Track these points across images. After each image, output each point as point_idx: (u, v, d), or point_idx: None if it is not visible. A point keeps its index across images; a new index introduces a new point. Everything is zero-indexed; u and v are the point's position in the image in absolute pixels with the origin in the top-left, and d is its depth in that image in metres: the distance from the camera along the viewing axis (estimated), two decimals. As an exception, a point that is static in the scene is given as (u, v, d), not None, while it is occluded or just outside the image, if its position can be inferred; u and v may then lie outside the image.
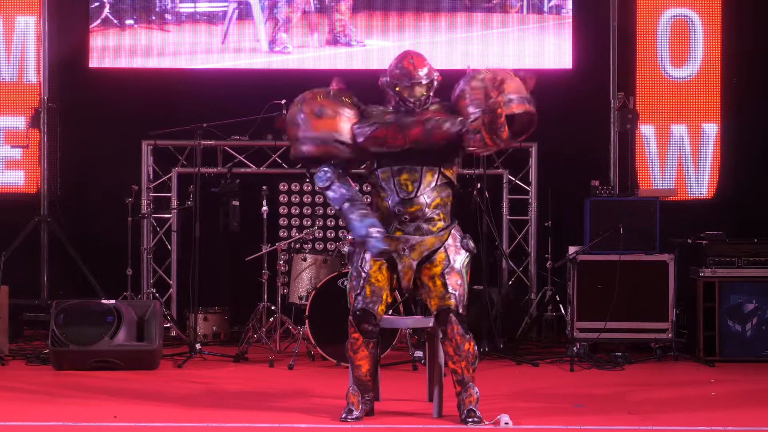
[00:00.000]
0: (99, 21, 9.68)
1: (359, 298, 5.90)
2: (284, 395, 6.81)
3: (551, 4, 9.65)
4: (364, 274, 5.90)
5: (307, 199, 9.62)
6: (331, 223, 9.56)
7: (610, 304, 8.15)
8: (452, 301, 5.81)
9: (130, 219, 8.98)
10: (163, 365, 7.91)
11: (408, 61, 5.91)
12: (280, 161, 9.50)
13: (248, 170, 9.48)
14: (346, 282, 7.82)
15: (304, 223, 9.56)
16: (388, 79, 5.93)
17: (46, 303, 8.95)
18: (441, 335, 5.88)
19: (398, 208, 5.85)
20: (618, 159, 9.31)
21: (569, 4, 9.61)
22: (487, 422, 5.80)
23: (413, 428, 5.87)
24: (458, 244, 5.91)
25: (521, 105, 5.80)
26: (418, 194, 5.84)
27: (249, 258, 8.67)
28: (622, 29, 9.42)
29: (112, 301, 7.96)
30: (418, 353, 7.69)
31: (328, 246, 9.45)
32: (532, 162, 9.46)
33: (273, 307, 8.50)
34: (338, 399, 6.34)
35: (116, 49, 9.68)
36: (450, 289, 5.82)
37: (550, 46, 9.61)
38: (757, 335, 8.20)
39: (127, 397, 6.67)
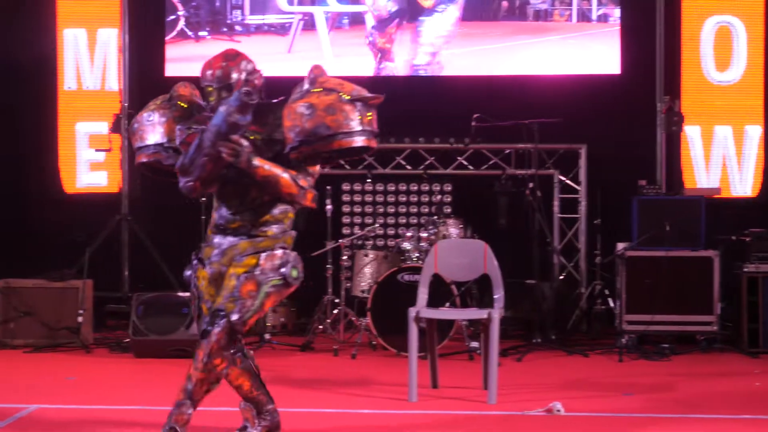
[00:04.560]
0: (175, 33, 9.78)
1: (199, 321, 4.91)
2: (348, 383, 6.83)
3: (600, 12, 9.57)
4: (197, 294, 4.95)
5: (368, 198, 9.65)
6: (391, 221, 9.58)
7: (657, 298, 8.07)
8: (232, 305, 4.72)
9: (203, 217, 9.05)
10: (235, 354, 7.95)
11: (208, 61, 4.90)
12: (342, 163, 9.48)
13: (313, 171, 9.50)
14: (406, 276, 7.88)
15: (366, 221, 9.59)
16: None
17: (127, 295, 9.06)
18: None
19: (220, 222, 4.89)
20: (664, 159, 9.22)
21: (617, 13, 9.53)
22: (540, 409, 5.78)
23: (470, 414, 5.85)
24: (275, 262, 4.79)
25: (364, 140, 4.70)
26: (241, 210, 4.84)
27: (314, 254, 8.70)
28: (668, 36, 9.31)
29: (188, 294, 8.02)
30: (474, 344, 7.67)
31: (389, 242, 9.46)
32: (582, 162, 9.39)
33: (337, 300, 8.53)
34: (398, 386, 6.36)
35: (190, 58, 9.77)
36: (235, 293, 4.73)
37: (599, 53, 9.54)
38: (798, 328, 8.08)
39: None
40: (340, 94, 4.69)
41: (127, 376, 7.02)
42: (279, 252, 4.82)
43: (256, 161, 4.71)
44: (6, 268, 8.72)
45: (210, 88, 4.83)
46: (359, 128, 4.68)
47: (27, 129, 9.89)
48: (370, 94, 4.73)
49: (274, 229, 4.85)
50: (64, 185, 9.80)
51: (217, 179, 4.85)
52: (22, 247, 9.62)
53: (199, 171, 4.79)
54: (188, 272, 4.99)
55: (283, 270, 4.79)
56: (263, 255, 4.78)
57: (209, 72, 4.83)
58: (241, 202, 4.85)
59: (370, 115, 4.73)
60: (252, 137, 4.79)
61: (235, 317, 4.69)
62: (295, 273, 4.82)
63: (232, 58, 4.87)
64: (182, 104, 5.05)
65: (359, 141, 4.69)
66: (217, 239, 4.88)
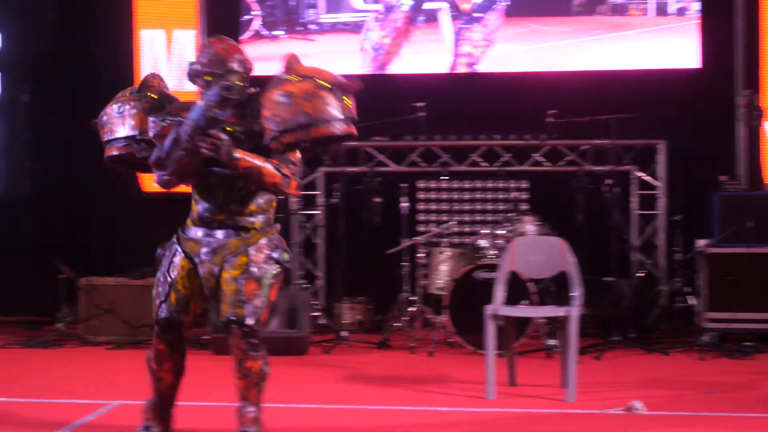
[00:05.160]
0: (252, 33, 9.87)
1: (163, 306, 4.84)
2: (425, 380, 6.82)
3: (678, 5, 9.43)
4: (170, 280, 4.85)
5: (443, 195, 9.63)
6: (467, 218, 9.55)
7: (739, 295, 7.92)
8: (241, 311, 4.69)
9: (282, 215, 9.12)
10: (313, 351, 8.02)
11: (220, 46, 4.79)
12: (417, 160, 9.53)
13: (388, 169, 9.54)
14: (482, 273, 7.85)
15: (442, 218, 9.57)
16: (198, 67, 4.78)
17: (204, 293, 9.14)
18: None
19: (206, 215, 4.83)
20: (745, 154, 9.05)
21: (695, 6, 9.38)
22: (619, 408, 5.71)
23: (549, 413, 5.80)
24: (266, 252, 4.79)
25: (344, 127, 4.64)
26: (227, 202, 4.81)
27: (390, 251, 8.71)
28: (748, 29, 9.15)
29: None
30: (552, 342, 7.62)
31: (465, 240, 9.42)
32: (661, 158, 9.27)
33: (413, 298, 8.53)
34: (476, 384, 6.34)
35: (266, 57, 9.80)
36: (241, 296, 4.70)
37: (677, 47, 9.40)
38: None
39: (280, 380, 6.77)
40: (317, 80, 4.61)
41: (206, 373, 7.09)
42: (263, 241, 4.79)
43: (237, 154, 4.66)
44: (88, 266, 8.90)
45: (209, 78, 4.73)
46: (338, 115, 4.59)
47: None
48: (347, 80, 4.65)
49: (260, 220, 4.82)
50: (142, 185, 9.95)
51: (194, 173, 4.78)
52: (104, 246, 9.81)
53: (175, 165, 4.73)
54: (163, 251, 4.92)
55: (275, 256, 4.77)
56: (251, 250, 4.74)
57: (234, 55, 4.76)
58: (226, 194, 4.78)
59: (348, 102, 4.64)
60: (231, 130, 4.74)
61: (250, 321, 4.67)
62: (286, 256, 4.81)
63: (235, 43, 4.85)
64: (152, 95, 4.96)
65: (339, 129, 4.61)
66: (201, 233, 4.82)
